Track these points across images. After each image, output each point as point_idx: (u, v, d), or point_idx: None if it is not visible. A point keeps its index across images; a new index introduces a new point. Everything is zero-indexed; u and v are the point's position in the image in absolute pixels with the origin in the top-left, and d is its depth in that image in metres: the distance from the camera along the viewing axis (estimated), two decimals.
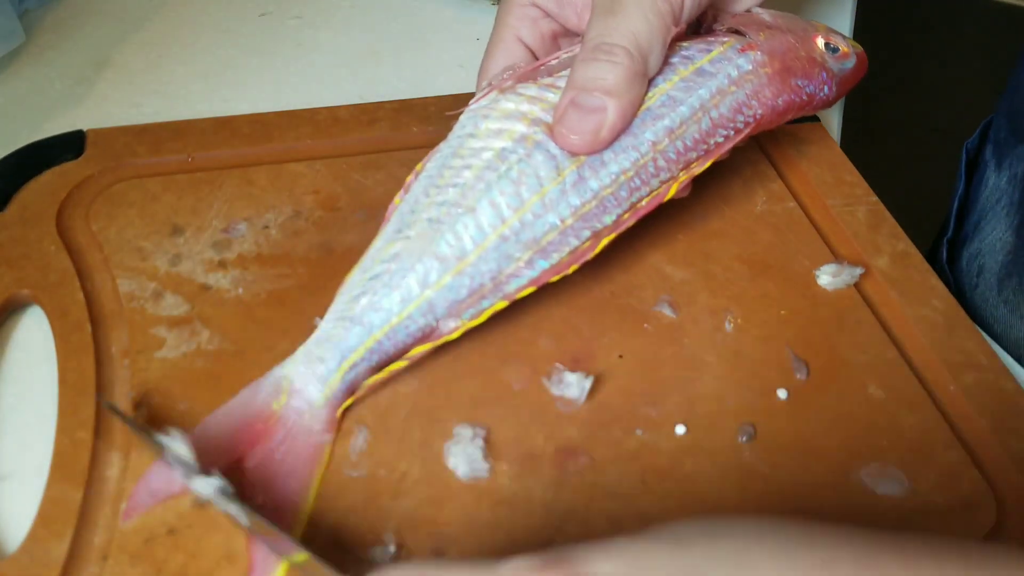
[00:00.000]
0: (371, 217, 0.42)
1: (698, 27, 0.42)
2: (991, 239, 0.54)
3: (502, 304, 0.35)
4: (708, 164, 0.38)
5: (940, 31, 2.08)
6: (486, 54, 0.42)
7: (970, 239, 0.56)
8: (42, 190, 0.42)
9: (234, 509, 0.28)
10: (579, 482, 0.33)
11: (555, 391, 0.36)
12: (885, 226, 0.44)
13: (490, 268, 0.35)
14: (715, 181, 0.44)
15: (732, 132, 0.39)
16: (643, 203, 0.37)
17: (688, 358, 0.38)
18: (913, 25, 2.06)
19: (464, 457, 0.33)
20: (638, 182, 0.37)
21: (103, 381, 0.35)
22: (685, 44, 0.39)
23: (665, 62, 0.38)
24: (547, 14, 0.41)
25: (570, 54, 0.39)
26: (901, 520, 0.33)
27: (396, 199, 0.37)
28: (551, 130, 0.36)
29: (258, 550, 0.30)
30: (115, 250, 0.40)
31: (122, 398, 0.34)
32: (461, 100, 0.39)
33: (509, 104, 0.37)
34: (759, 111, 0.39)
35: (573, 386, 0.36)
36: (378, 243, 0.35)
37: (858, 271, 0.41)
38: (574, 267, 0.36)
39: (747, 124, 0.39)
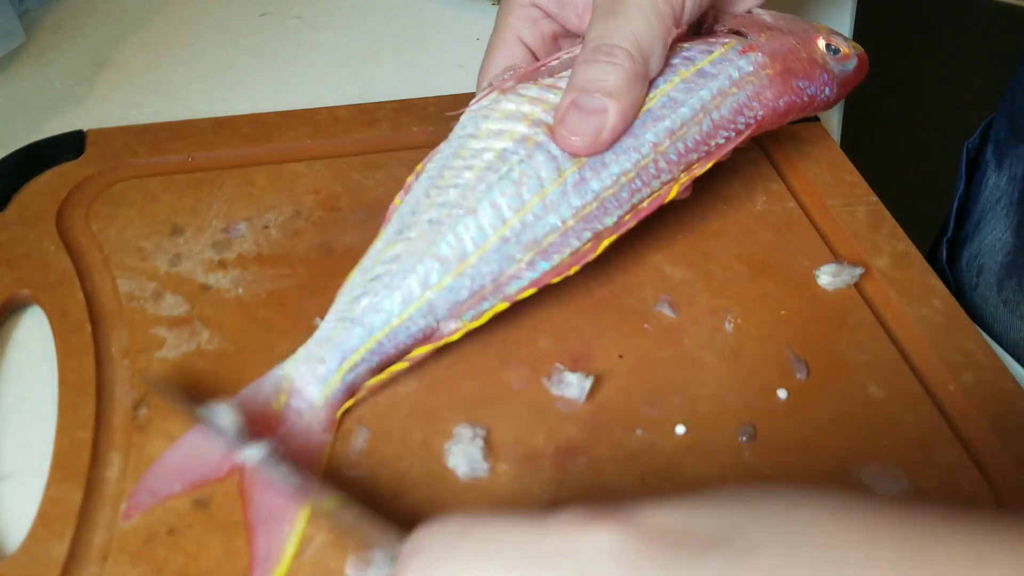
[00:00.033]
0: (371, 217, 0.42)
1: (699, 28, 0.42)
2: (991, 239, 0.54)
3: (503, 305, 0.35)
4: (709, 166, 0.38)
5: (940, 31, 2.08)
6: (486, 54, 0.42)
7: (970, 239, 0.56)
8: (42, 190, 0.42)
9: (279, 474, 0.30)
10: (579, 482, 0.33)
11: (555, 391, 0.36)
12: (885, 226, 0.44)
13: (491, 269, 0.35)
14: (715, 181, 0.44)
15: (733, 134, 0.39)
16: (644, 204, 0.37)
17: (688, 358, 0.38)
18: (913, 25, 2.06)
19: (464, 457, 0.33)
20: (639, 183, 0.37)
21: (103, 381, 0.35)
22: (686, 45, 0.39)
23: (666, 63, 0.38)
24: (547, 15, 0.41)
25: (571, 55, 0.39)
26: None
27: (396, 199, 0.37)
28: (552, 131, 0.36)
29: (258, 550, 0.30)
30: (115, 250, 0.40)
31: (122, 398, 0.34)
32: (461, 100, 0.39)
33: (510, 105, 0.37)
34: (760, 113, 0.39)
35: (573, 386, 0.36)
36: (379, 244, 0.35)
37: (858, 271, 0.41)
38: (575, 268, 0.36)
39: (748, 126, 0.39)
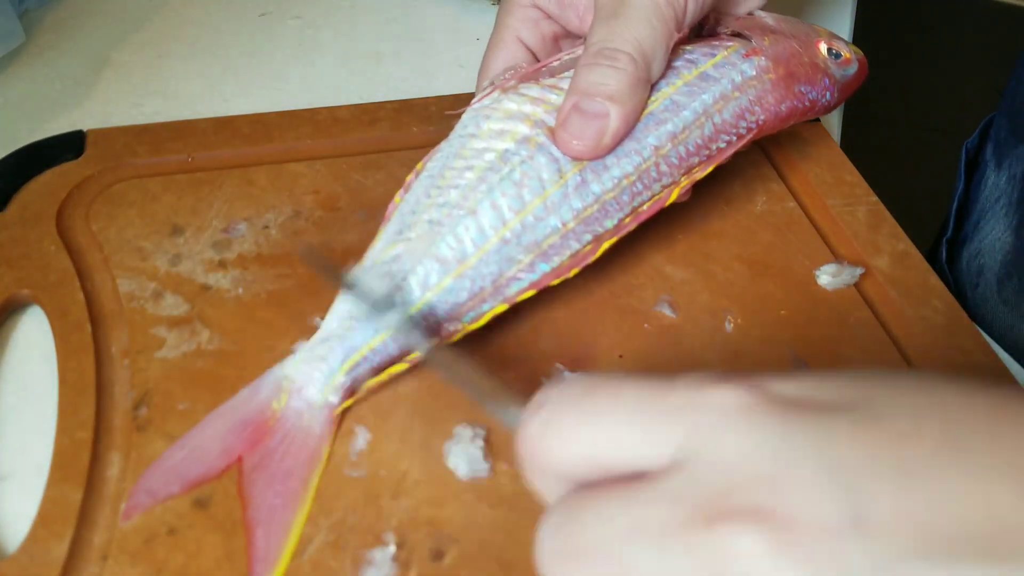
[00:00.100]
0: (371, 217, 0.42)
1: (700, 29, 0.42)
2: (991, 239, 0.54)
3: (503, 307, 0.35)
4: (710, 169, 0.38)
5: (940, 31, 2.08)
6: (486, 54, 0.42)
7: (970, 239, 0.56)
8: (42, 190, 0.42)
9: (415, 338, 0.31)
10: None
11: None
12: (885, 226, 0.44)
13: (491, 271, 0.35)
14: (715, 182, 0.44)
15: (734, 137, 0.39)
16: (644, 207, 0.37)
17: (688, 358, 0.38)
18: (913, 25, 2.06)
19: (464, 457, 0.33)
20: (640, 186, 0.37)
21: (103, 381, 0.35)
22: (688, 47, 0.39)
23: (668, 65, 0.38)
24: (548, 15, 0.41)
25: (572, 56, 0.38)
26: None
27: (396, 198, 0.37)
28: (553, 133, 0.36)
29: (258, 550, 0.30)
30: (115, 250, 0.40)
31: (122, 398, 0.34)
32: (461, 100, 0.39)
33: (512, 105, 0.37)
34: (762, 117, 0.39)
35: None
36: (379, 244, 0.35)
37: (858, 271, 0.41)
38: (575, 270, 0.36)
39: (749, 130, 0.39)
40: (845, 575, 0.19)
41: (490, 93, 0.38)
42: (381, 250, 0.35)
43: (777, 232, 0.44)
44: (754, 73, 0.39)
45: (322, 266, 0.33)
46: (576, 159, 0.36)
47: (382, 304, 0.31)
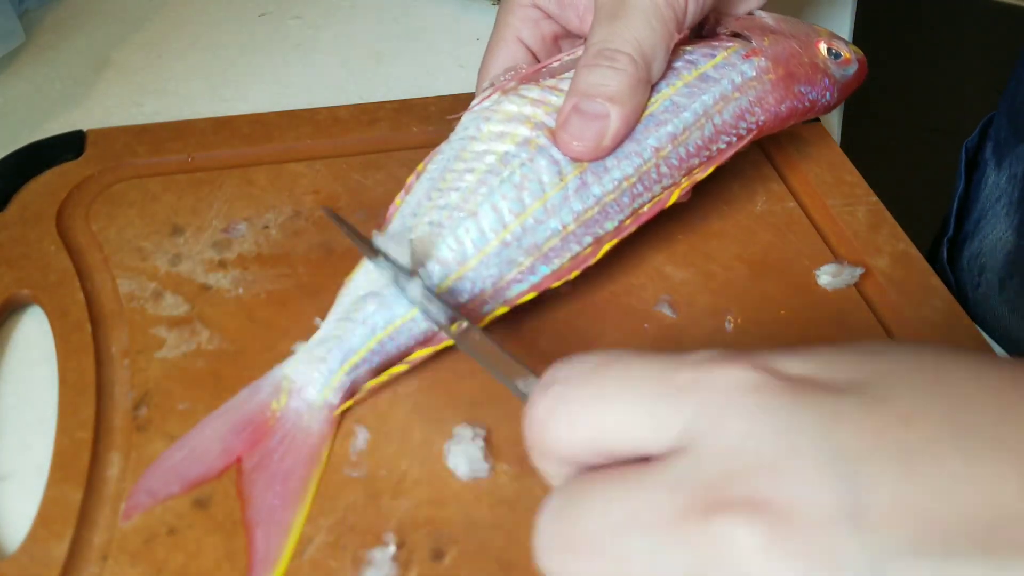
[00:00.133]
0: (371, 217, 0.42)
1: (700, 29, 0.42)
2: (992, 238, 0.54)
3: (503, 309, 0.35)
4: (710, 170, 0.38)
5: (940, 31, 2.08)
6: (486, 54, 0.42)
7: (970, 238, 0.56)
8: (42, 190, 0.42)
9: (435, 308, 0.32)
10: None
11: None
12: (885, 226, 0.44)
13: (491, 273, 0.35)
14: (715, 182, 0.44)
15: (735, 138, 0.39)
16: (645, 209, 0.37)
17: None
18: (913, 25, 2.06)
19: (464, 457, 0.33)
20: (640, 188, 0.37)
21: (103, 381, 0.35)
22: (688, 48, 0.39)
23: (668, 66, 0.38)
24: (548, 16, 0.41)
25: (572, 56, 0.38)
26: None
27: (397, 200, 0.37)
28: (554, 134, 0.36)
29: (257, 550, 0.30)
30: (115, 250, 0.40)
31: (122, 398, 0.34)
32: (461, 100, 0.40)
33: (512, 106, 0.37)
34: (762, 118, 0.39)
35: None
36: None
37: (858, 271, 0.41)
38: (575, 273, 0.36)
39: (749, 130, 0.39)
40: (839, 571, 0.19)
41: (490, 95, 0.38)
42: None
43: (777, 232, 0.44)
44: (754, 74, 0.39)
45: (346, 228, 0.34)
46: (576, 160, 0.36)
47: (402, 270, 0.32)
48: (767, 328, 0.39)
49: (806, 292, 0.41)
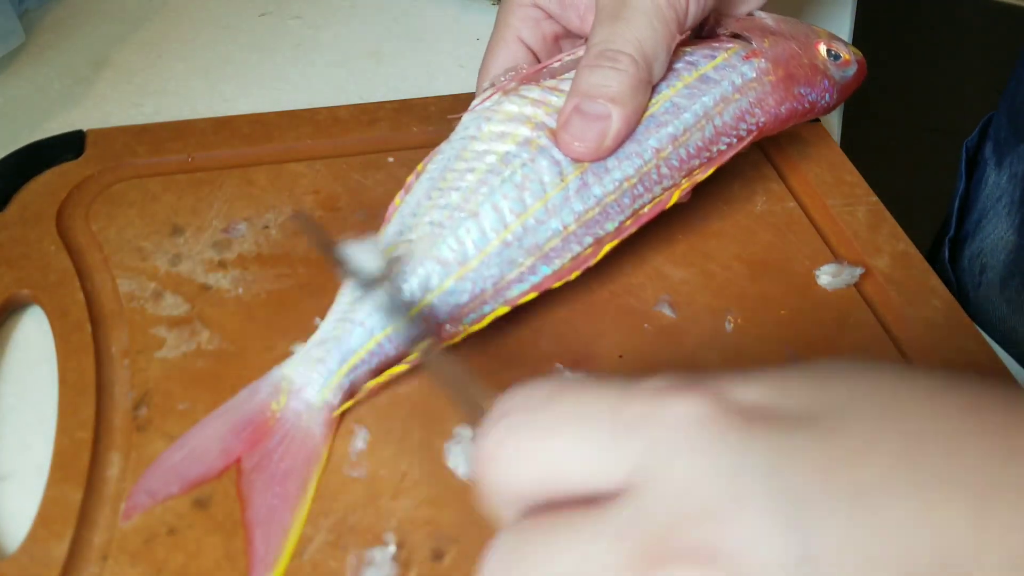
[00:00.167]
0: (371, 217, 0.42)
1: (700, 30, 0.42)
2: (992, 238, 0.54)
3: (504, 309, 0.35)
4: (711, 171, 0.38)
5: (940, 31, 2.08)
6: (487, 54, 0.42)
7: (971, 238, 0.56)
8: (42, 190, 0.42)
9: (401, 319, 0.31)
10: None
11: None
12: (885, 226, 0.44)
13: (492, 273, 0.35)
14: (715, 182, 0.44)
15: (735, 140, 0.39)
16: (645, 209, 0.37)
17: (688, 358, 0.38)
18: (913, 25, 2.06)
19: (464, 457, 0.33)
20: (641, 189, 0.37)
21: (103, 381, 0.35)
22: (689, 49, 0.39)
23: (669, 67, 0.38)
24: (549, 15, 0.41)
25: (573, 57, 0.38)
26: None
27: (397, 199, 0.37)
28: (555, 135, 0.36)
29: (257, 550, 0.30)
30: (115, 250, 0.40)
31: (122, 398, 0.34)
32: (461, 100, 0.40)
33: (512, 107, 0.37)
34: (762, 119, 0.39)
35: None
36: (380, 245, 0.35)
37: (858, 271, 0.41)
38: (576, 273, 0.36)
39: (750, 132, 0.39)
40: None
41: (491, 95, 0.38)
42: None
43: (777, 232, 0.44)
44: (754, 75, 0.39)
45: (314, 233, 0.33)
46: (577, 161, 0.36)
47: (372, 282, 0.30)
48: (767, 328, 0.39)
49: (806, 292, 0.41)
